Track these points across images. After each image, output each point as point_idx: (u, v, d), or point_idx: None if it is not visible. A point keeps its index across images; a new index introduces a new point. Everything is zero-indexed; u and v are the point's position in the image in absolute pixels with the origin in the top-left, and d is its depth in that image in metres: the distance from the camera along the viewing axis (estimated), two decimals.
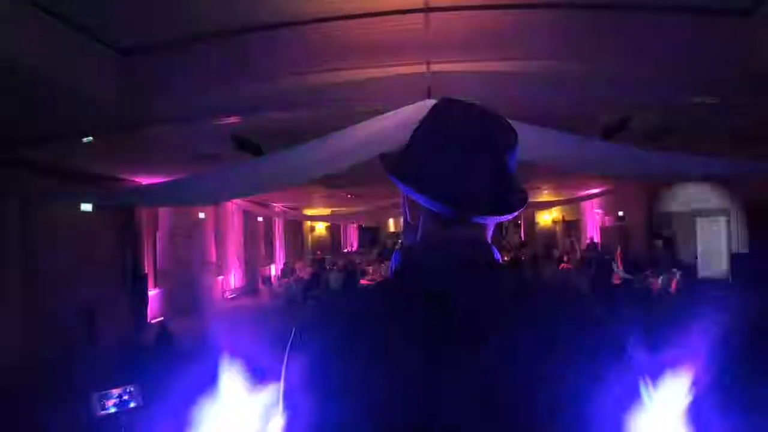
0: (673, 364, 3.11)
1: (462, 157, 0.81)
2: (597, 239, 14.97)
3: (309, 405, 0.72)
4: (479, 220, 0.83)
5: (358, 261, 15.92)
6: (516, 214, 0.85)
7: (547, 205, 16.79)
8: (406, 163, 0.86)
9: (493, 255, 0.83)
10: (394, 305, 0.77)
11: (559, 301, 0.78)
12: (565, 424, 0.67)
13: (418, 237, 0.86)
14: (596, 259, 11.44)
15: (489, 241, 0.87)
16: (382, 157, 0.91)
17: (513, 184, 0.84)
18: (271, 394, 0.77)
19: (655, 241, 11.57)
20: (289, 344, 0.79)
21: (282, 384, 0.77)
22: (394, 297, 0.79)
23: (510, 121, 0.88)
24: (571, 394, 0.68)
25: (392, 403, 0.69)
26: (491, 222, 0.86)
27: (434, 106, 0.91)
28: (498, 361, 0.70)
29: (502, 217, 0.83)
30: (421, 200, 0.83)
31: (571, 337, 0.72)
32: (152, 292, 10.05)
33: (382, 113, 3.70)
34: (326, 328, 0.78)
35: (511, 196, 0.83)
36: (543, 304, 0.76)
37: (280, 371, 0.78)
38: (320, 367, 0.73)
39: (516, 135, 0.87)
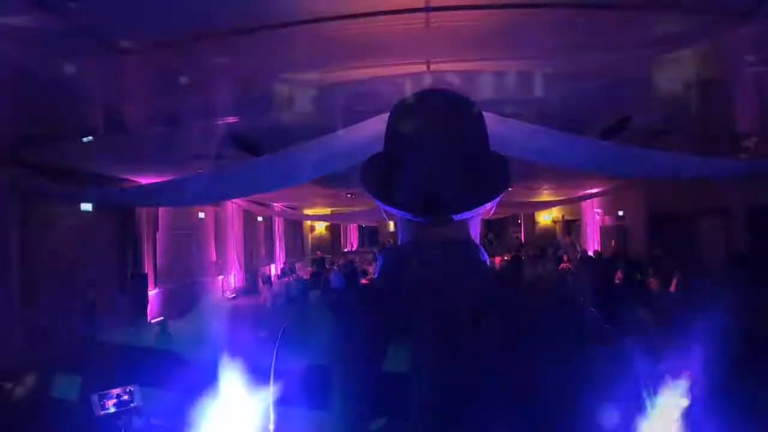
0: (673, 366, 3.10)
1: (423, 159, 0.78)
2: (596, 241, 14.94)
3: (300, 409, 0.72)
4: (455, 217, 0.80)
5: (358, 261, 15.92)
6: (494, 202, 0.82)
7: (547, 205, 16.77)
8: (371, 172, 0.84)
9: (477, 253, 0.80)
10: (377, 308, 0.76)
11: (547, 310, 0.75)
12: None
13: (398, 237, 0.85)
14: (598, 258, 11.43)
15: (471, 236, 0.83)
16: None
17: (485, 170, 0.80)
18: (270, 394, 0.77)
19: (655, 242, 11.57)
20: (276, 351, 0.78)
21: (271, 389, 0.76)
22: (378, 299, 0.78)
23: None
24: (558, 405, 0.67)
25: (378, 403, 0.69)
26: (468, 216, 0.82)
27: (394, 108, 0.88)
28: (478, 365, 0.69)
29: (473, 211, 0.80)
30: (387, 210, 0.81)
31: (561, 348, 0.69)
32: (152, 292, 10.03)
33: (382, 113, 3.70)
34: (313, 335, 0.77)
35: (483, 187, 0.79)
36: (526, 313, 0.73)
37: (271, 374, 0.77)
38: (310, 373, 0.72)
39: (480, 113, 0.84)
